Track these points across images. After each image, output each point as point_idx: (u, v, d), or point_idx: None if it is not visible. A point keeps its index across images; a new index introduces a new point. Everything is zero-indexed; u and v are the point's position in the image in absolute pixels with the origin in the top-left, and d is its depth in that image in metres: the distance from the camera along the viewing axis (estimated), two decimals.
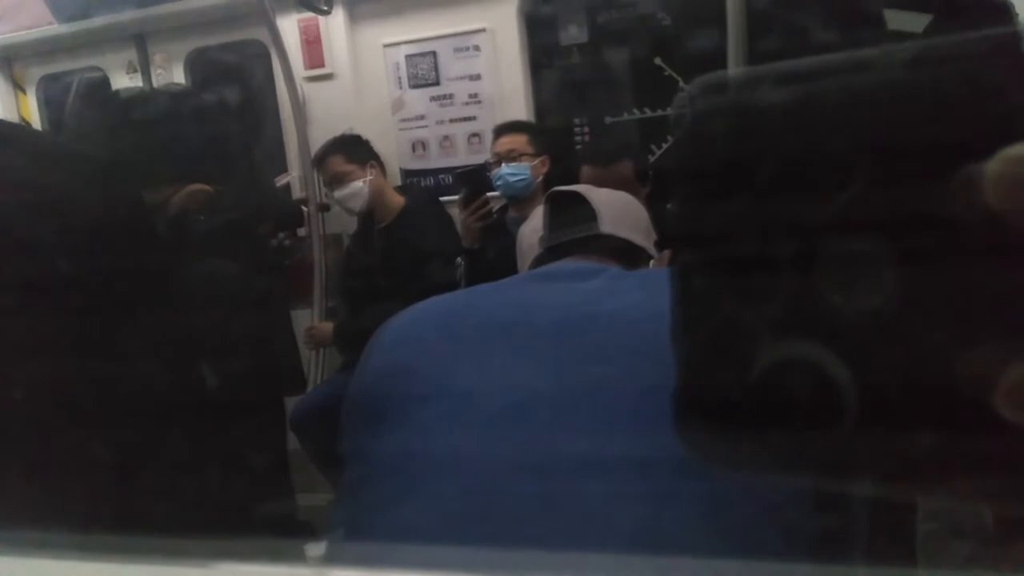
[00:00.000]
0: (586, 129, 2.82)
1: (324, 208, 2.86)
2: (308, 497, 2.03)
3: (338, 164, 2.49)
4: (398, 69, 2.87)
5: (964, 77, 0.20)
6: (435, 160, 2.92)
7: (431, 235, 2.41)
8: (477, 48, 2.78)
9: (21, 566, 0.37)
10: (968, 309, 0.20)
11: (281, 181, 2.97)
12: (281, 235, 2.85)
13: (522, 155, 2.33)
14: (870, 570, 0.58)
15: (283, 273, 2.79)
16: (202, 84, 3.11)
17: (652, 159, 2.56)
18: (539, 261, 0.92)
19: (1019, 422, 0.19)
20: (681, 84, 2.65)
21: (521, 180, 2.31)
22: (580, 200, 0.92)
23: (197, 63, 3.13)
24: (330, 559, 0.71)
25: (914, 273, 0.20)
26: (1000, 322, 0.20)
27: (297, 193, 2.95)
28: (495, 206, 2.33)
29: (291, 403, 2.31)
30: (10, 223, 0.59)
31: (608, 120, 2.78)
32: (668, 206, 1.72)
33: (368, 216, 2.55)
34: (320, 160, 2.55)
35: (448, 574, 0.33)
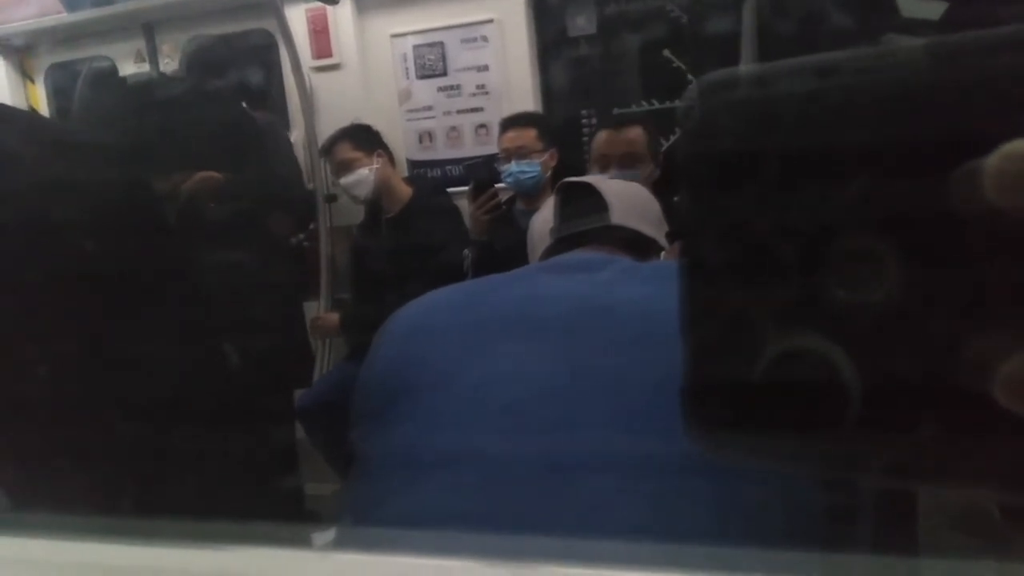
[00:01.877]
0: (594, 120, 2.81)
1: (331, 199, 2.85)
2: (313, 487, 2.04)
3: (345, 151, 2.49)
4: (405, 60, 2.87)
5: (969, 73, 0.20)
6: (442, 151, 2.92)
7: (438, 226, 2.41)
8: (485, 39, 2.78)
9: (35, 547, 0.38)
10: (968, 302, 0.20)
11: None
12: (301, 235, 2.83)
13: (531, 152, 2.31)
14: (874, 560, 0.59)
15: (298, 268, 2.76)
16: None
17: (661, 151, 2.55)
18: (550, 252, 0.91)
19: (1017, 412, 0.19)
20: (689, 76, 2.64)
21: (531, 177, 2.30)
22: (591, 191, 0.91)
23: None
24: (337, 546, 0.71)
25: (917, 268, 0.21)
26: (999, 314, 0.20)
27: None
28: (504, 198, 2.33)
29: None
30: (19, 209, 0.60)
31: (616, 112, 2.77)
32: (676, 199, 1.72)
33: (375, 206, 2.55)
34: (328, 148, 2.55)
35: (454, 559, 0.33)
